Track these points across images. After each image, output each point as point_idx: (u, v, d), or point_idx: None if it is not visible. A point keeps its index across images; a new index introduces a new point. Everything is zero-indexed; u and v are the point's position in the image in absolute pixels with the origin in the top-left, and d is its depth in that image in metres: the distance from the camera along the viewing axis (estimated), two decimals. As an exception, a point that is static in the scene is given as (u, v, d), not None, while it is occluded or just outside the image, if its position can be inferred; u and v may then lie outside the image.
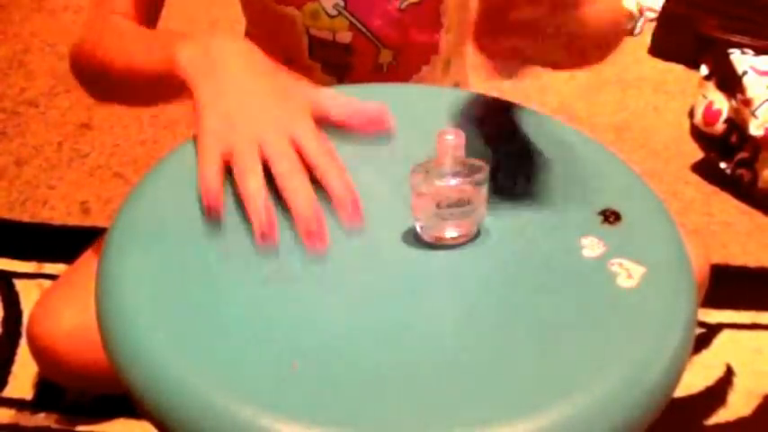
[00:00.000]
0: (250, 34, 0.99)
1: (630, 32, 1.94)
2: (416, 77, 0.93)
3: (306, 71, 0.79)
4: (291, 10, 0.87)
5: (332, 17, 0.87)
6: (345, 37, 0.88)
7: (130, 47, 0.73)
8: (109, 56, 0.74)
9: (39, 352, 0.88)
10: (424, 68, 0.93)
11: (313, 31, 0.88)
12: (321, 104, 0.64)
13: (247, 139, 0.59)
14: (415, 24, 0.89)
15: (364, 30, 0.87)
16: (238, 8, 0.97)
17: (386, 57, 0.90)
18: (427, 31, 0.90)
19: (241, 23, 0.99)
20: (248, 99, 0.62)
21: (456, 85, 0.99)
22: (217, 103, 0.61)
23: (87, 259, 0.92)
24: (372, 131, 0.65)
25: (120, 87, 0.77)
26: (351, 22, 0.87)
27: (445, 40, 0.92)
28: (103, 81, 0.78)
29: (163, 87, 0.66)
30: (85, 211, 1.38)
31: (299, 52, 0.90)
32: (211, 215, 0.58)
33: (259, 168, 0.58)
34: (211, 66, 0.63)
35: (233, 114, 0.60)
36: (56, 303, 0.88)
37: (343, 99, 0.65)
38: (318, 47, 0.90)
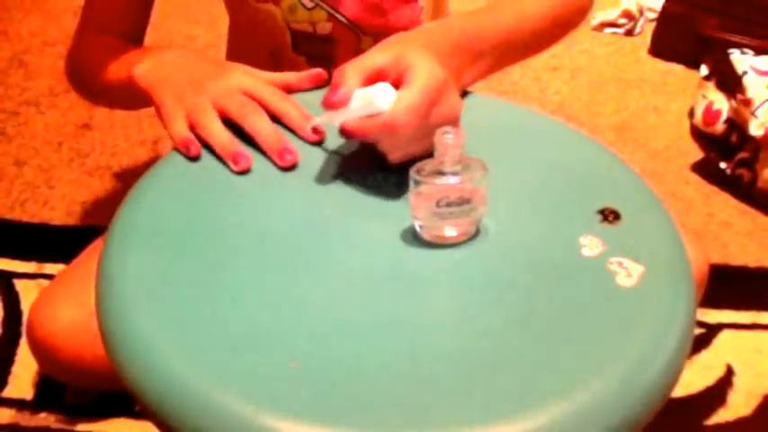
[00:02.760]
0: (234, 33, 1.00)
1: (630, 32, 1.94)
2: None
3: (292, 66, 0.80)
4: (270, 6, 0.88)
5: (309, 9, 0.87)
6: (325, 28, 0.89)
7: (106, 67, 0.83)
8: (91, 73, 0.86)
9: (38, 348, 0.88)
10: None
11: (294, 25, 0.89)
12: (259, 71, 0.73)
13: (201, 99, 0.68)
14: (393, 8, 0.89)
15: (342, 19, 0.87)
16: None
17: (367, 44, 0.90)
18: (406, 14, 0.90)
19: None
20: (195, 75, 0.71)
21: None
22: (169, 88, 0.71)
23: (85, 257, 0.92)
24: (314, 85, 0.74)
25: (103, 97, 0.91)
26: (329, 13, 0.87)
27: (425, 21, 0.92)
28: (89, 91, 0.91)
29: (133, 96, 0.75)
30: (85, 211, 1.38)
31: (282, 47, 0.91)
32: (190, 152, 0.66)
33: (215, 116, 0.67)
34: (161, 73, 0.73)
35: (183, 89, 0.70)
36: (54, 300, 0.88)
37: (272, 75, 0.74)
38: (301, 40, 0.91)
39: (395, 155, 0.63)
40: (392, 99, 0.60)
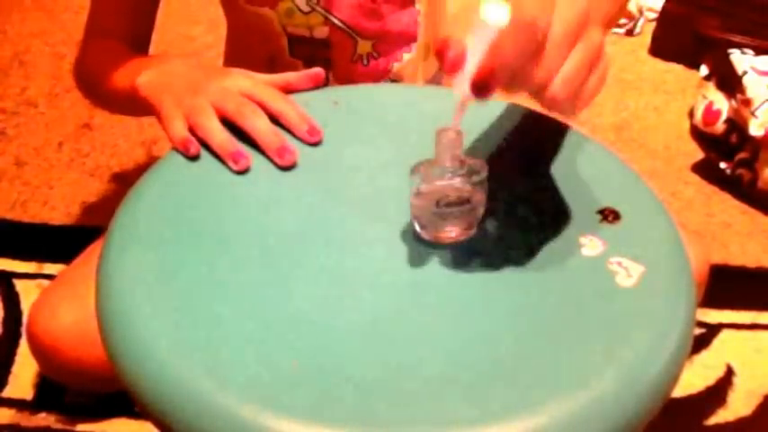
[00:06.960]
0: (231, 37, 1.00)
1: (630, 32, 1.94)
2: (399, 66, 0.94)
3: (288, 70, 0.81)
4: (266, 10, 0.88)
5: (306, 14, 0.88)
6: (322, 32, 0.89)
7: (110, 74, 0.83)
8: (96, 79, 0.87)
9: (38, 349, 0.88)
10: (405, 57, 0.94)
11: (290, 29, 0.89)
12: (258, 74, 0.73)
13: (200, 100, 0.69)
14: (390, 12, 0.89)
15: (339, 23, 0.88)
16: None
17: (364, 48, 0.90)
18: (403, 19, 0.90)
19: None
20: (194, 79, 0.72)
21: (438, 69, 1.00)
22: (169, 93, 0.71)
23: (86, 258, 0.92)
24: (312, 85, 0.74)
25: (108, 103, 0.92)
26: (325, 17, 0.87)
27: (422, 25, 0.93)
28: (96, 96, 0.92)
29: (136, 105, 0.76)
30: (85, 211, 1.38)
31: (279, 51, 0.92)
32: (189, 151, 0.66)
33: (214, 116, 0.67)
34: (162, 82, 0.74)
35: (183, 92, 0.70)
36: (54, 300, 0.88)
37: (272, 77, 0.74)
38: (298, 44, 0.91)
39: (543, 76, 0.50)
40: (506, 11, 0.48)
